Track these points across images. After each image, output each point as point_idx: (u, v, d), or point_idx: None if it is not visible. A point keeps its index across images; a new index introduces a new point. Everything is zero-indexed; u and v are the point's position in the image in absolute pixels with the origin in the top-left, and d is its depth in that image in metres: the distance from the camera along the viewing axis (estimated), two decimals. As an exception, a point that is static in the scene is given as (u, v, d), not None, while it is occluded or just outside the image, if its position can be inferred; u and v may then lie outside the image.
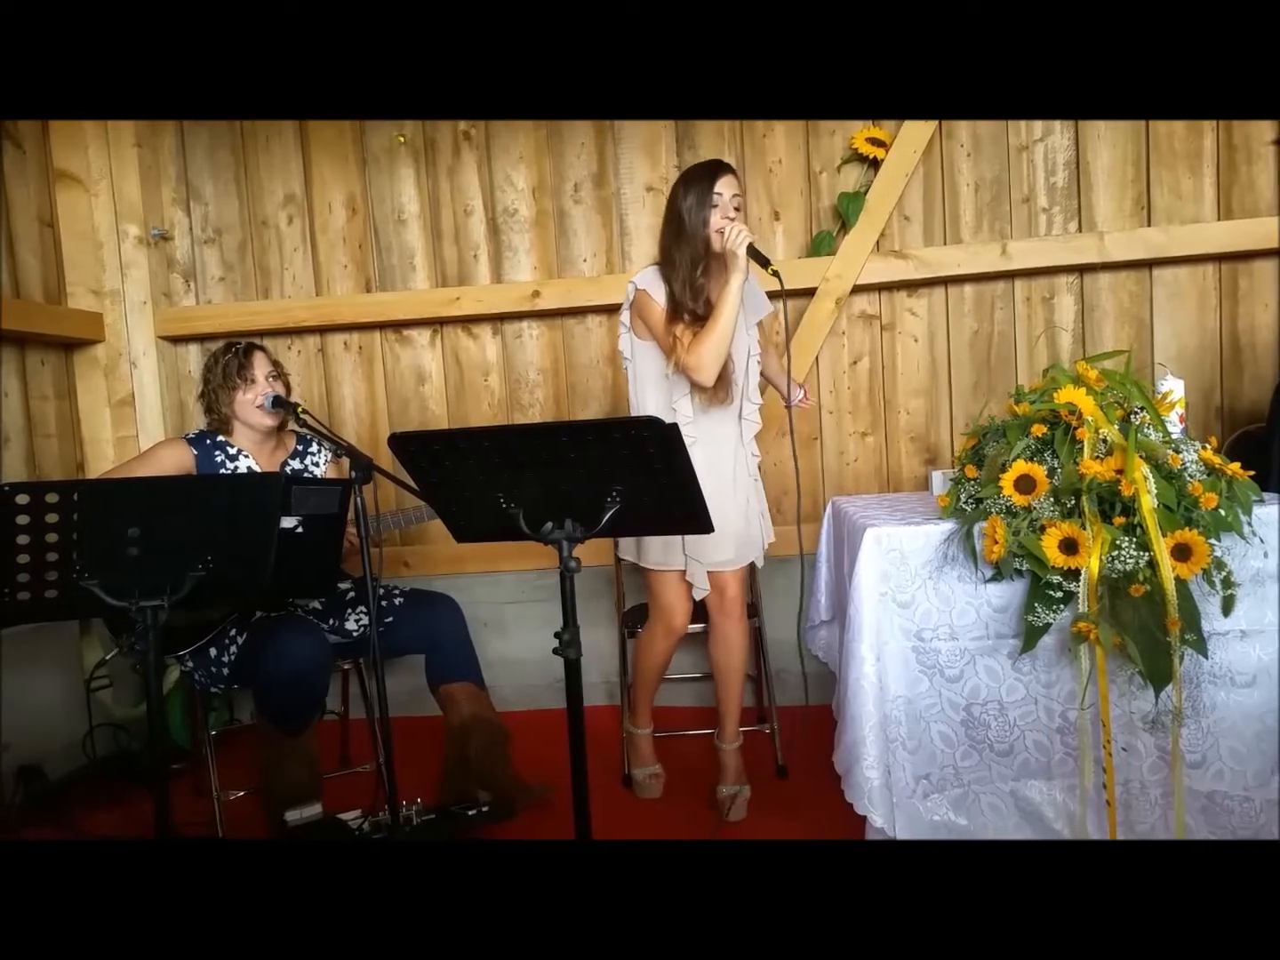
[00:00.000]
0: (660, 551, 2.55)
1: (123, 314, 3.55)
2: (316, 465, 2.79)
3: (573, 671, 1.72)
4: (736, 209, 2.43)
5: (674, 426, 1.57)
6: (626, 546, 2.68)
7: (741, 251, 2.33)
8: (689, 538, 2.49)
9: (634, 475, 1.63)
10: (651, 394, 2.53)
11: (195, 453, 2.61)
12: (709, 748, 2.74)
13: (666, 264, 2.47)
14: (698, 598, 2.59)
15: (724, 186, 2.41)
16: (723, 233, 2.38)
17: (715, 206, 2.40)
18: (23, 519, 1.70)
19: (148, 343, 3.57)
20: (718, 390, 2.45)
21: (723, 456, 2.53)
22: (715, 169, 2.44)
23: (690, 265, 2.42)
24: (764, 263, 2.38)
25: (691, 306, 2.42)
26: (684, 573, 2.55)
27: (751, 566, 2.70)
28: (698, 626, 2.86)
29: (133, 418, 3.57)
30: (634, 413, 2.58)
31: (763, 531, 2.66)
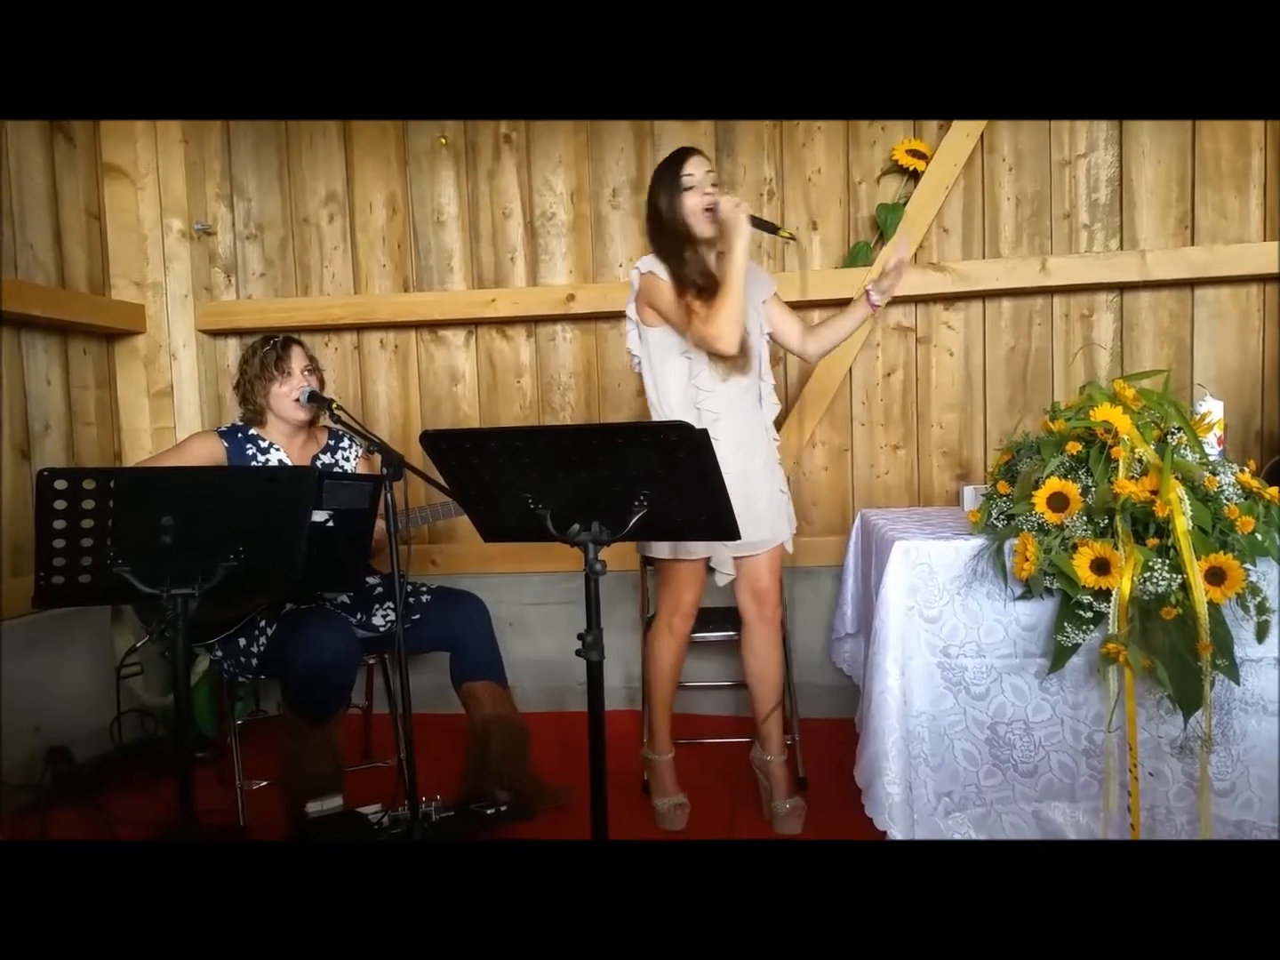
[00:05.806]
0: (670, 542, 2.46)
1: (164, 306, 3.60)
2: (347, 460, 2.81)
3: (595, 674, 1.72)
4: (714, 185, 2.40)
5: (704, 432, 1.57)
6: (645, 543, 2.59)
7: (742, 217, 2.29)
8: None
9: (663, 480, 1.63)
10: (672, 376, 2.45)
11: (226, 445, 2.63)
12: (731, 755, 2.72)
13: (660, 256, 2.43)
14: (721, 584, 2.51)
15: (692, 167, 2.38)
16: (712, 210, 2.35)
17: (689, 189, 2.37)
18: (60, 504, 1.73)
19: (188, 335, 3.62)
20: (738, 357, 2.40)
21: (753, 436, 2.47)
22: (680, 155, 2.41)
23: (680, 253, 2.39)
24: (772, 229, 2.35)
25: (695, 280, 2.38)
26: (694, 563, 2.47)
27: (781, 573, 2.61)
28: (724, 634, 2.85)
29: (171, 409, 3.62)
30: (654, 404, 2.50)
31: (789, 518, 2.58)
